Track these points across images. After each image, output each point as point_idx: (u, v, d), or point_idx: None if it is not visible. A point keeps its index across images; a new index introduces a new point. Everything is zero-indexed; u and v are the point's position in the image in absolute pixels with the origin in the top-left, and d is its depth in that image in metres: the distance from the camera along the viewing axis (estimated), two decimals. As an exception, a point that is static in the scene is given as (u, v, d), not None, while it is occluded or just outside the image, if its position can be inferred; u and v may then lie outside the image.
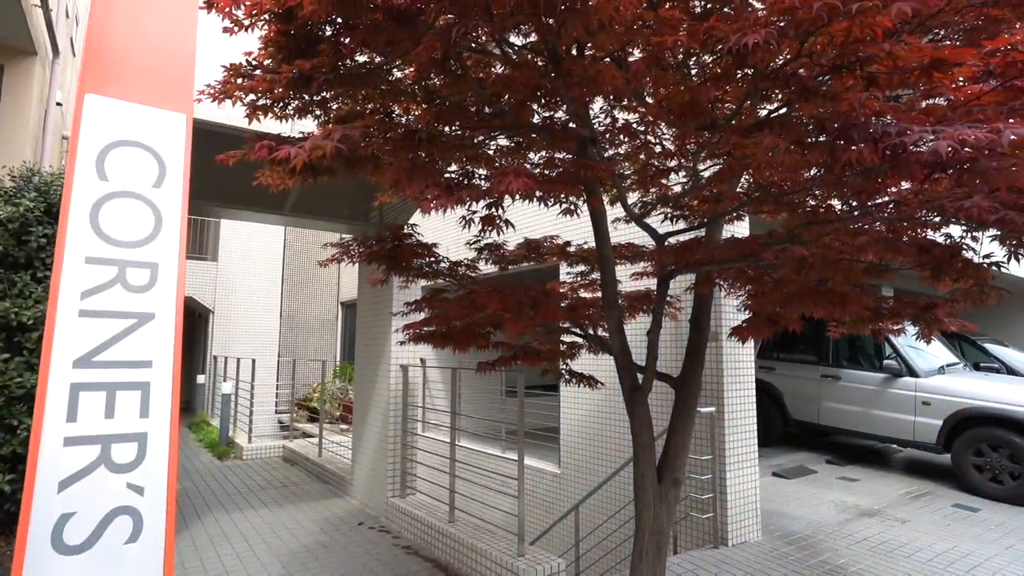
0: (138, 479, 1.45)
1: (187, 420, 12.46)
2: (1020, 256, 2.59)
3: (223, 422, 9.71)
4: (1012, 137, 1.28)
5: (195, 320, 14.72)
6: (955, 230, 2.82)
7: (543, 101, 2.62)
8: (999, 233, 2.51)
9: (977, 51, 1.86)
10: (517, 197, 2.14)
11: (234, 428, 10.17)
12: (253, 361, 10.04)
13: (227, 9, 2.34)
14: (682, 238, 3.24)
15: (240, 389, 10.39)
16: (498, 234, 2.69)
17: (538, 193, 2.42)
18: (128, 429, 1.47)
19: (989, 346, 8.16)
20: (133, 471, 1.45)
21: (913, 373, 6.25)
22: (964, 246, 2.77)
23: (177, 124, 1.81)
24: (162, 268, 1.60)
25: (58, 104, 6.53)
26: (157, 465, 1.48)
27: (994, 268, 2.65)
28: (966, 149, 1.29)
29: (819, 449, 7.48)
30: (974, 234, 2.81)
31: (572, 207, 3.10)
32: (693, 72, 2.69)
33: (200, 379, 12.63)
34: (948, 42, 2.87)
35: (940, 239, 2.85)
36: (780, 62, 2.15)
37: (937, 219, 2.60)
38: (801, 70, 2.12)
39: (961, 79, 2.05)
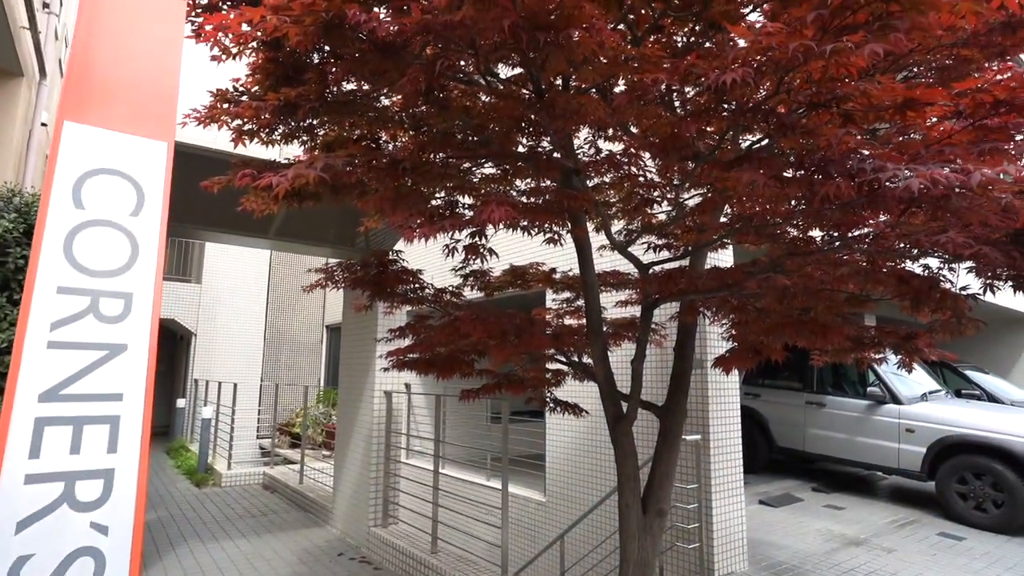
0: (103, 518, 1.39)
1: (165, 445, 12.17)
2: (995, 289, 2.64)
3: (202, 448, 9.49)
4: (980, 178, 1.32)
5: (177, 343, 14.49)
6: (933, 261, 2.87)
7: (528, 131, 2.65)
8: (975, 266, 2.56)
9: (947, 91, 1.91)
10: (501, 226, 2.15)
11: (213, 454, 9.94)
12: (235, 385, 9.87)
13: (215, 38, 2.35)
14: (667, 266, 3.27)
15: (221, 414, 10.19)
16: (482, 263, 2.68)
17: (522, 222, 2.43)
18: (94, 465, 1.41)
19: (970, 373, 8.26)
20: (98, 509, 1.40)
21: (896, 400, 6.29)
22: (941, 277, 2.82)
23: (158, 152, 1.80)
24: (137, 298, 1.57)
25: (43, 125, 6.49)
26: (124, 503, 1.42)
27: (971, 300, 2.69)
28: (939, 187, 1.32)
29: (805, 476, 7.47)
30: (951, 266, 2.87)
31: (556, 236, 3.11)
32: (676, 104, 2.74)
33: (180, 403, 12.38)
34: (922, 79, 2.96)
35: (919, 270, 2.90)
36: (761, 96, 2.20)
37: (915, 251, 2.65)
38: (780, 106, 2.17)
39: (933, 118, 2.11)
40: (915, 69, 2.97)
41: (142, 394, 1.52)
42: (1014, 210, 1.54)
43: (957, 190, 1.37)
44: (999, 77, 2.07)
